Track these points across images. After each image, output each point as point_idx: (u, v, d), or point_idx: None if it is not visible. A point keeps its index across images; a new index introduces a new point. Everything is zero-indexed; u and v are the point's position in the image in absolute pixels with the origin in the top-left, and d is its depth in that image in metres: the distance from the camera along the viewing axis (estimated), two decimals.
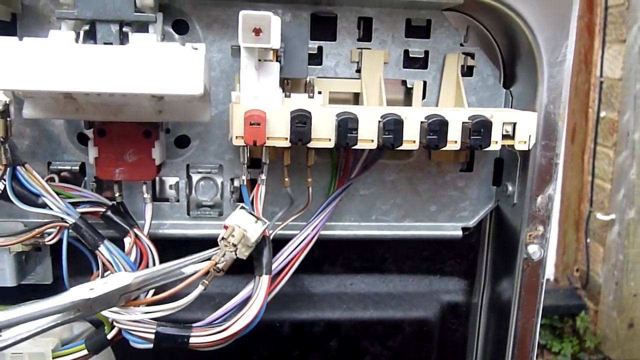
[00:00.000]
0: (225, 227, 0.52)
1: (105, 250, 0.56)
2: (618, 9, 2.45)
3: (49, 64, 0.46)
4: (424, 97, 0.63)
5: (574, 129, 2.72)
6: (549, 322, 2.77)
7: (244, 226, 0.51)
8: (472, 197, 0.66)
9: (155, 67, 0.47)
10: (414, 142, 0.54)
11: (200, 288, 0.51)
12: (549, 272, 2.97)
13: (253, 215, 0.53)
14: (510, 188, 0.63)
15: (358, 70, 0.61)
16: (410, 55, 0.62)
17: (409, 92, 0.63)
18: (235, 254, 0.51)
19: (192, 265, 0.51)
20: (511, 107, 0.63)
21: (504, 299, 0.66)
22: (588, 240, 2.73)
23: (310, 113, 0.51)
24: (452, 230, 0.66)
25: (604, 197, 2.60)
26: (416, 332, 0.67)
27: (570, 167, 2.77)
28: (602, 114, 2.59)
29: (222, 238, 0.50)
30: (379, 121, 0.52)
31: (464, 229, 0.66)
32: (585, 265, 2.76)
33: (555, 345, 2.75)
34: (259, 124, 0.50)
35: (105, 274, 0.56)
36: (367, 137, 0.53)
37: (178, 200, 0.63)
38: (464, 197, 0.66)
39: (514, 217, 0.63)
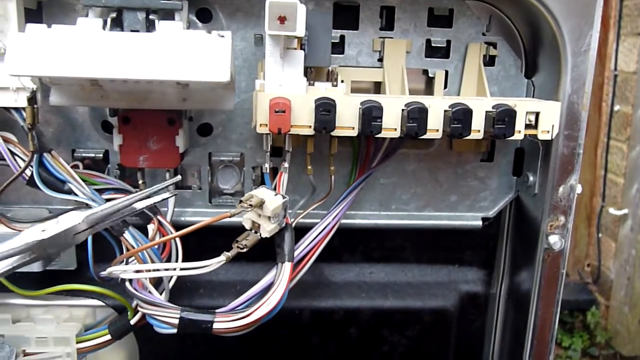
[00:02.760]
0: None
1: (130, 236, 0.56)
2: (634, 1, 2.42)
3: (77, 50, 0.47)
4: (445, 87, 0.63)
5: (587, 122, 2.70)
6: (559, 316, 2.77)
7: (262, 196, 0.51)
8: (492, 187, 0.66)
9: (182, 54, 0.47)
10: (438, 130, 0.54)
11: (222, 258, 0.51)
12: None
13: (273, 190, 0.54)
14: (531, 178, 0.63)
15: (380, 60, 0.61)
16: (433, 45, 0.62)
17: (430, 81, 0.63)
18: (260, 234, 0.52)
19: (143, 201, 0.51)
20: (533, 97, 0.63)
21: (523, 289, 0.66)
22: (600, 235, 2.71)
23: (334, 101, 0.52)
24: (472, 220, 0.66)
25: (617, 191, 2.58)
26: (435, 322, 0.67)
27: (583, 161, 2.75)
28: (616, 107, 2.57)
29: (240, 201, 0.51)
30: (403, 110, 0.53)
31: (483, 219, 0.66)
32: (596, 260, 2.75)
33: (565, 340, 2.75)
34: (284, 112, 0.51)
35: (130, 260, 0.56)
36: (391, 125, 0.53)
37: (200, 188, 0.63)
38: (484, 187, 0.66)
39: (535, 208, 0.63)
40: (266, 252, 0.57)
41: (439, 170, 0.65)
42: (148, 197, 0.51)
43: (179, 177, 0.58)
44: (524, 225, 0.66)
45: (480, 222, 0.66)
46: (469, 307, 0.69)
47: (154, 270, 0.54)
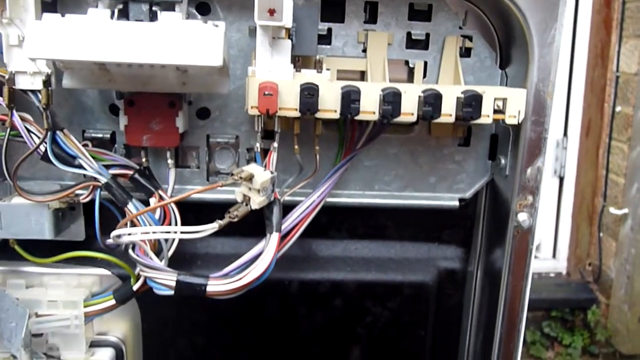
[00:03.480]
0: None
1: (133, 207, 0.62)
2: (635, 3, 2.46)
3: (88, 37, 0.53)
4: (425, 76, 0.68)
5: (589, 123, 2.74)
6: (560, 315, 2.80)
7: (252, 171, 0.57)
8: (468, 170, 0.71)
9: (180, 41, 0.53)
10: (412, 114, 0.59)
11: (214, 225, 0.57)
12: (562, 266, 2.99)
13: (263, 167, 0.60)
14: (502, 161, 0.68)
15: (364, 50, 0.67)
16: (413, 37, 0.67)
17: (411, 71, 0.69)
18: (249, 205, 0.57)
19: None
20: (506, 86, 0.68)
21: (497, 266, 0.70)
22: (601, 234, 2.74)
23: (317, 86, 0.57)
24: (450, 200, 0.71)
25: (618, 191, 2.61)
26: (414, 295, 0.72)
27: (585, 161, 2.79)
28: (618, 108, 2.61)
29: (232, 174, 0.56)
30: (380, 94, 0.58)
31: (460, 200, 0.71)
32: (597, 259, 2.78)
33: (566, 338, 2.78)
34: (271, 95, 0.56)
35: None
36: (369, 109, 0.59)
37: (198, 167, 0.69)
38: (461, 170, 0.71)
39: (506, 188, 0.68)
40: (258, 228, 0.63)
41: (419, 153, 0.70)
42: None
43: None
44: (497, 205, 0.71)
45: (457, 203, 0.71)
46: (447, 282, 0.74)
47: (155, 232, 0.60)
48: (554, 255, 3.01)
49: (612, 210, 2.62)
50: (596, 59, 2.68)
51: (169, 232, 0.60)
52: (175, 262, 0.66)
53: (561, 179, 2.90)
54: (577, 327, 2.82)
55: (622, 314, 2.61)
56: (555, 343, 2.84)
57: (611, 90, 2.63)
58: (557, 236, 2.98)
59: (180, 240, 0.65)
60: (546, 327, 2.82)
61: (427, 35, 0.67)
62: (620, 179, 2.60)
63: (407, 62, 0.68)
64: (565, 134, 2.83)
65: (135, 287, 0.66)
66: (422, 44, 0.67)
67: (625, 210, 2.56)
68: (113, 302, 0.67)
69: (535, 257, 3.01)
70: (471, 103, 0.58)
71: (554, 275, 2.97)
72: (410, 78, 0.69)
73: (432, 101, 0.57)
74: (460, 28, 0.67)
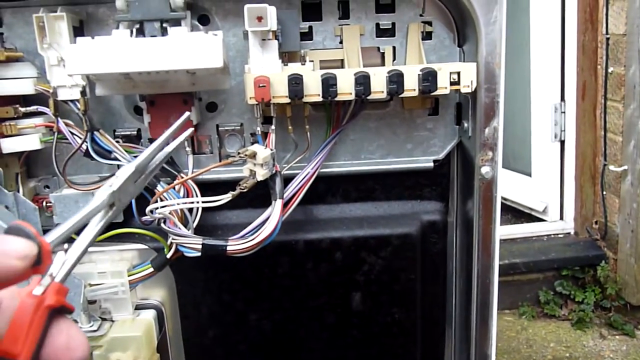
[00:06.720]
0: None
1: (162, 188, 0.76)
2: None
3: (114, 53, 0.66)
4: (395, 59, 0.81)
5: (584, 86, 2.82)
6: (571, 273, 2.90)
7: (255, 149, 0.70)
8: (439, 135, 0.84)
9: (187, 50, 0.66)
10: (382, 92, 0.72)
11: (228, 195, 0.71)
12: (569, 226, 3.09)
13: (264, 146, 0.73)
14: (466, 124, 0.80)
15: (341, 42, 0.79)
16: (381, 27, 0.79)
17: (383, 56, 0.81)
18: (255, 177, 0.70)
19: (170, 145, 0.57)
20: (464, 62, 0.80)
21: (471, 214, 0.83)
22: (604, 192, 2.84)
23: (302, 75, 0.70)
24: (426, 162, 0.84)
25: (616, 149, 2.70)
26: (402, 244, 0.85)
27: (583, 124, 2.87)
28: (610, 69, 2.69)
29: (238, 152, 0.70)
30: (353, 78, 0.71)
31: (435, 161, 0.84)
32: (602, 217, 2.87)
33: (578, 295, 2.88)
34: (264, 86, 0.69)
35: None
36: (346, 90, 0.71)
37: (212, 152, 0.82)
38: (433, 136, 0.83)
39: (471, 147, 0.80)
40: (266, 200, 0.76)
41: (396, 125, 0.83)
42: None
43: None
44: (466, 163, 0.83)
45: (432, 164, 0.84)
46: (430, 232, 0.87)
47: (182, 203, 0.73)
48: (561, 217, 3.11)
49: (612, 167, 2.71)
50: (586, 24, 2.75)
51: (192, 202, 0.74)
52: (200, 233, 0.80)
53: (562, 143, 2.99)
54: (588, 283, 2.92)
55: (630, 267, 2.71)
56: (568, 300, 2.94)
57: (603, 52, 2.71)
58: (562, 199, 3.08)
59: (203, 214, 0.79)
60: (558, 286, 2.92)
61: (393, 24, 0.79)
62: (617, 137, 2.68)
63: (378, 49, 0.81)
64: (562, 99, 2.92)
65: (168, 255, 0.80)
66: (389, 32, 0.80)
67: (625, 167, 2.65)
68: (151, 269, 0.81)
69: (544, 220, 3.13)
70: (428, 78, 0.70)
71: (562, 236, 3.07)
72: (382, 62, 0.82)
73: (395, 79, 0.70)
74: (421, 15, 0.79)
